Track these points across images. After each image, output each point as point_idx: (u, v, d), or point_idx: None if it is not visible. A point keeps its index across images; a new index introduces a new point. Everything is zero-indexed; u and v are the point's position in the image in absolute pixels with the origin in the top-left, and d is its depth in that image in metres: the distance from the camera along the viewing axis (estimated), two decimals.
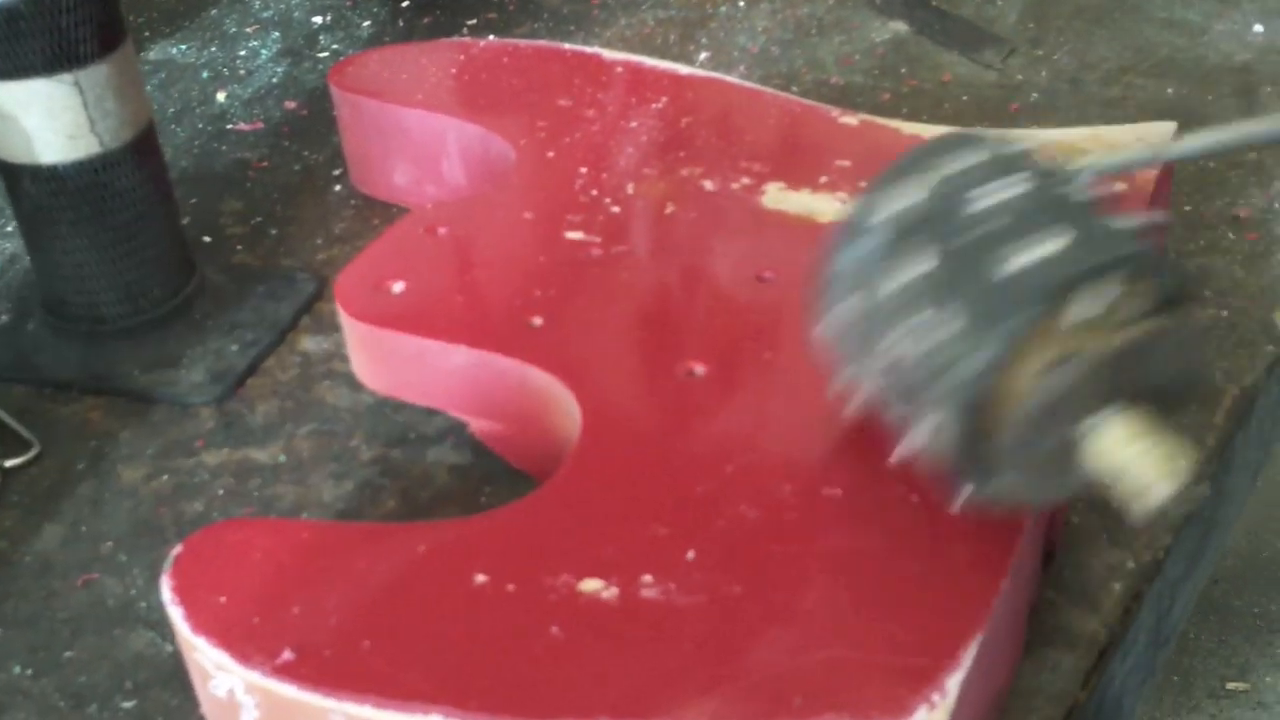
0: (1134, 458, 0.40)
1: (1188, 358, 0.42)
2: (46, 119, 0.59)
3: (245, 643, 0.43)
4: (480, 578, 0.44)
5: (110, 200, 0.61)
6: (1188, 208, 0.69)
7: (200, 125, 0.82)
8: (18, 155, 0.60)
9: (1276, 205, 0.69)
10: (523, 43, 0.76)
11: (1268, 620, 1.53)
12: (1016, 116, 0.77)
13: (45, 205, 0.61)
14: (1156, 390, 0.42)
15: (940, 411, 0.41)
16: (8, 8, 0.56)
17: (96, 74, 0.59)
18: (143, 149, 0.62)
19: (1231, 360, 0.60)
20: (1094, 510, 0.52)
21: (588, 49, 0.75)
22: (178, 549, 0.46)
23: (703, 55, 0.86)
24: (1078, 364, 0.40)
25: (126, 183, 0.61)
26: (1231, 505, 0.60)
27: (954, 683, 0.40)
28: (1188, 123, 0.65)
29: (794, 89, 0.80)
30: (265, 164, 0.79)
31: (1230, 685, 1.46)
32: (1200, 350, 0.45)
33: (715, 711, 0.40)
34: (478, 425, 0.57)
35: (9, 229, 0.75)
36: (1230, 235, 0.67)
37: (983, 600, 0.42)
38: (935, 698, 0.39)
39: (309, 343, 0.65)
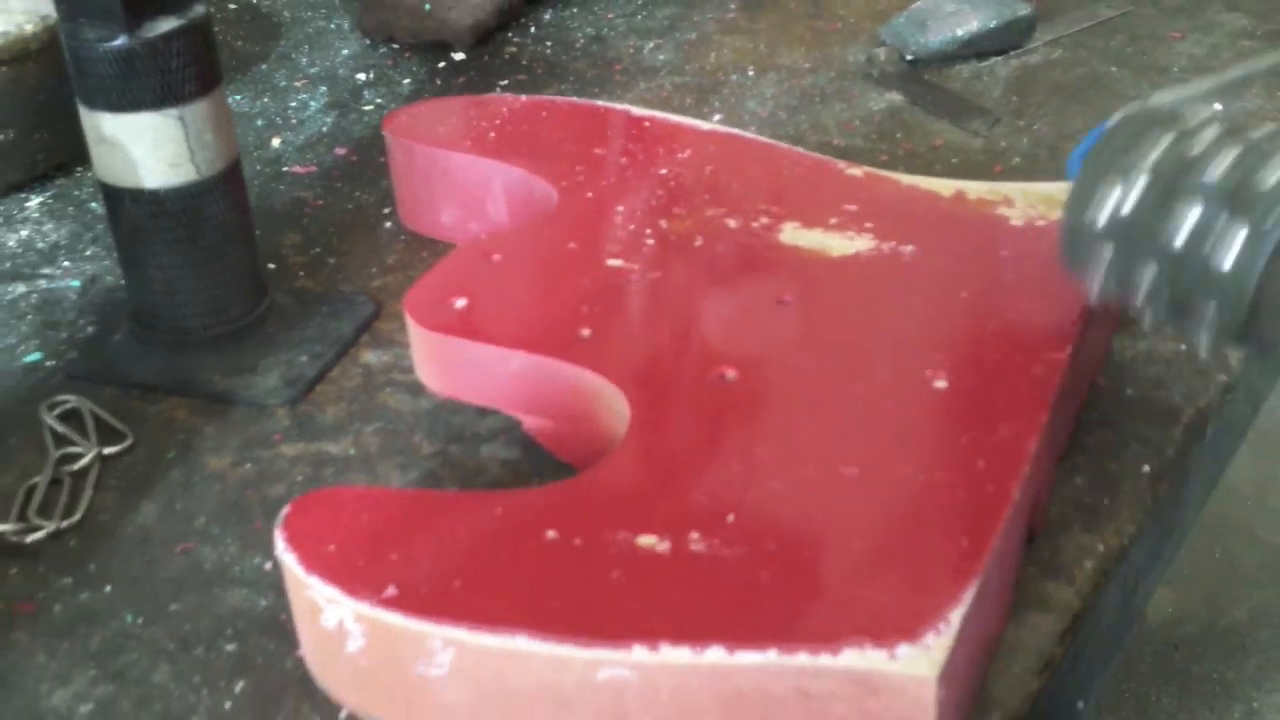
0: None
1: None
2: (152, 149, 0.67)
3: (353, 580, 0.50)
4: (551, 534, 0.52)
5: (202, 224, 0.69)
6: None
7: (259, 167, 0.90)
8: (123, 180, 0.68)
9: None
10: (559, 99, 0.85)
11: (1225, 685, 1.61)
12: (1000, 177, 0.86)
13: (144, 226, 0.68)
14: None
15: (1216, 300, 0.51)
16: (126, 49, 0.64)
17: (197, 110, 0.67)
18: (231, 179, 0.70)
19: (1189, 385, 0.68)
20: (1068, 503, 0.60)
21: (618, 105, 0.83)
22: (286, 508, 0.54)
23: (716, 117, 0.94)
24: None
25: (216, 208, 0.69)
26: (1188, 512, 0.68)
27: (956, 616, 0.47)
28: None
29: (801, 149, 0.89)
30: (320, 203, 0.87)
31: None
32: None
33: (753, 634, 0.47)
34: (530, 423, 0.65)
35: (88, 253, 0.83)
36: None
37: (979, 551, 0.50)
38: (941, 626, 0.47)
39: (370, 356, 0.73)
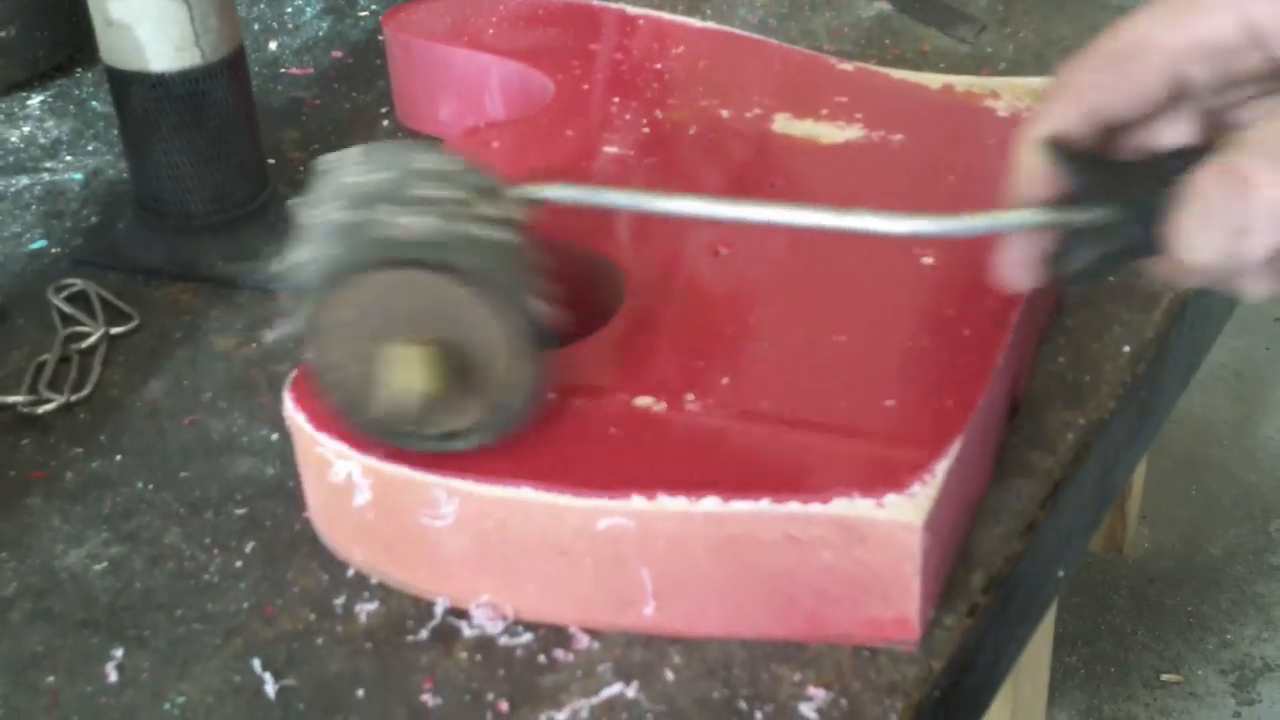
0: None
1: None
2: (157, 31, 0.68)
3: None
4: (550, 395, 0.53)
5: (207, 109, 0.70)
6: None
7: (256, 69, 0.92)
8: (129, 63, 0.69)
9: None
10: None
11: (1200, 618, 1.64)
12: None
13: (150, 110, 0.70)
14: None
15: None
16: None
17: None
18: (235, 65, 0.71)
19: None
20: (1051, 379, 0.62)
21: (612, 4, 0.85)
22: (294, 371, 0.55)
23: (708, 25, 0.95)
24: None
25: (221, 94, 0.70)
26: (1165, 395, 0.70)
27: (941, 469, 0.49)
28: None
29: None
30: (318, 103, 0.88)
31: (1164, 677, 1.57)
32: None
33: (746, 485, 0.49)
34: None
35: (89, 149, 0.84)
36: None
37: (964, 411, 0.52)
38: (926, 478, 0.49)
39: None
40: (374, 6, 1.00)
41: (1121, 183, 0.47)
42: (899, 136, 0.70)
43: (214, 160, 0.71)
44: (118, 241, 0.74)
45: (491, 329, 0.50)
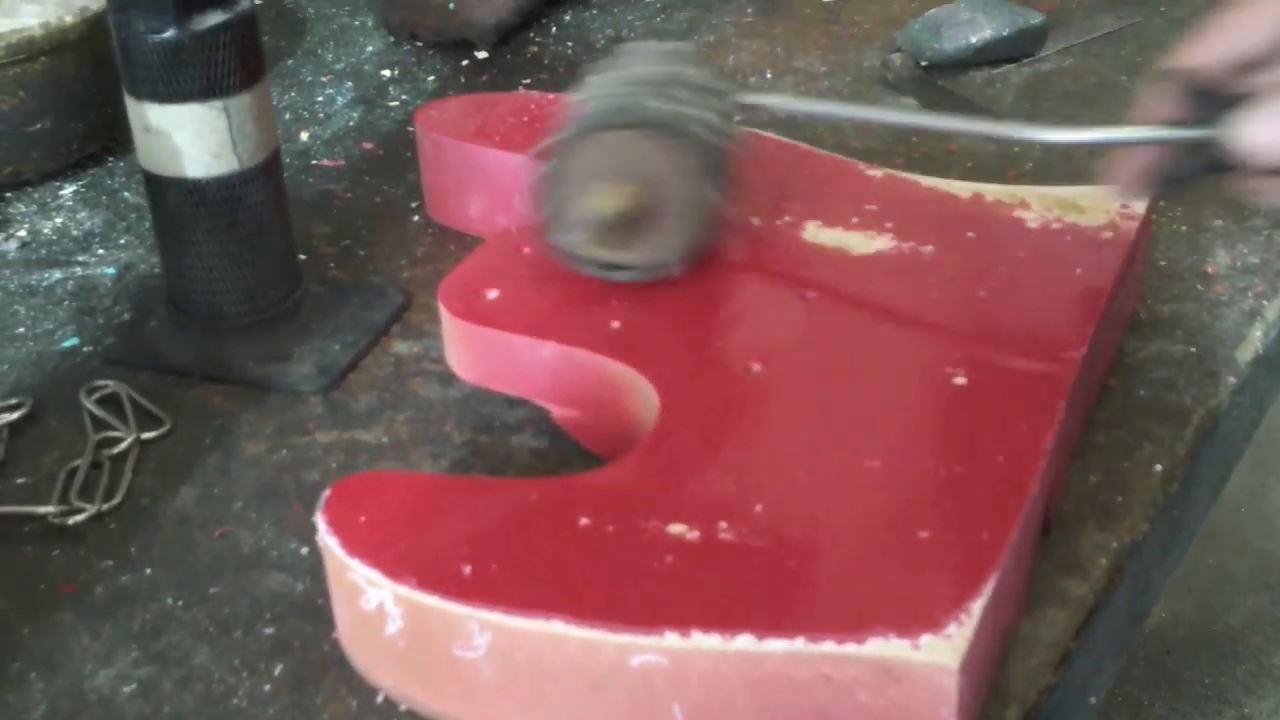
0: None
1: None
2: (196, 139, 0.68)
3: (394, 563, 0.52)
4: (584, 520, 0.53)
5: (242, 213, 0.71)
6: (1163, 263, 0.79)
7: (287, 160, 0.92)
8: (167, 169, 0.69)
9: (1239, 264, 0.79)
10: None
11: (1217, 689, 1.63)
12: (1014, 182, 0.88)
13: (185, 214, 0.70)
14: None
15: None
16: (174, 41, 0.66)
17: (241, 102, 0.69)
18: (271, 170, 0.71)
19: (1200, 387, 0.70)
20: (1083, 500, 0.62)
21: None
22: (327, 492, 0.55)
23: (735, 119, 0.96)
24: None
25: (256, 198, 0.71)
26: (1195, 511, 0.70)
27: (977, 608, 0.49)
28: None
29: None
30: (349, 195, 0.89)
31: None
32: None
33: (781, 622, 0.49)
34: (559, 412, 0.66)
35: (122, 242, 0.84)
36: (1199, 287, 0.77)
37: (998, 544, 0.52)
38: (962, 617, 0.49)
39: (401, 346, 0.74)
40: (404, 96, 1.00)
41: (1227, 107, 0.56)
42: (929, 248, 0.70)
43: (247, 263, 0.72)
44: (149, 341, 0.74)
45: (675, 191, 0.66)
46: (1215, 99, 0.57)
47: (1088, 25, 1.08)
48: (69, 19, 0.84)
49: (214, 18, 0.67)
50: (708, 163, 0.67)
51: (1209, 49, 0.57)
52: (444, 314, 0.68)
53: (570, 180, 0.67)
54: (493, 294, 0.68)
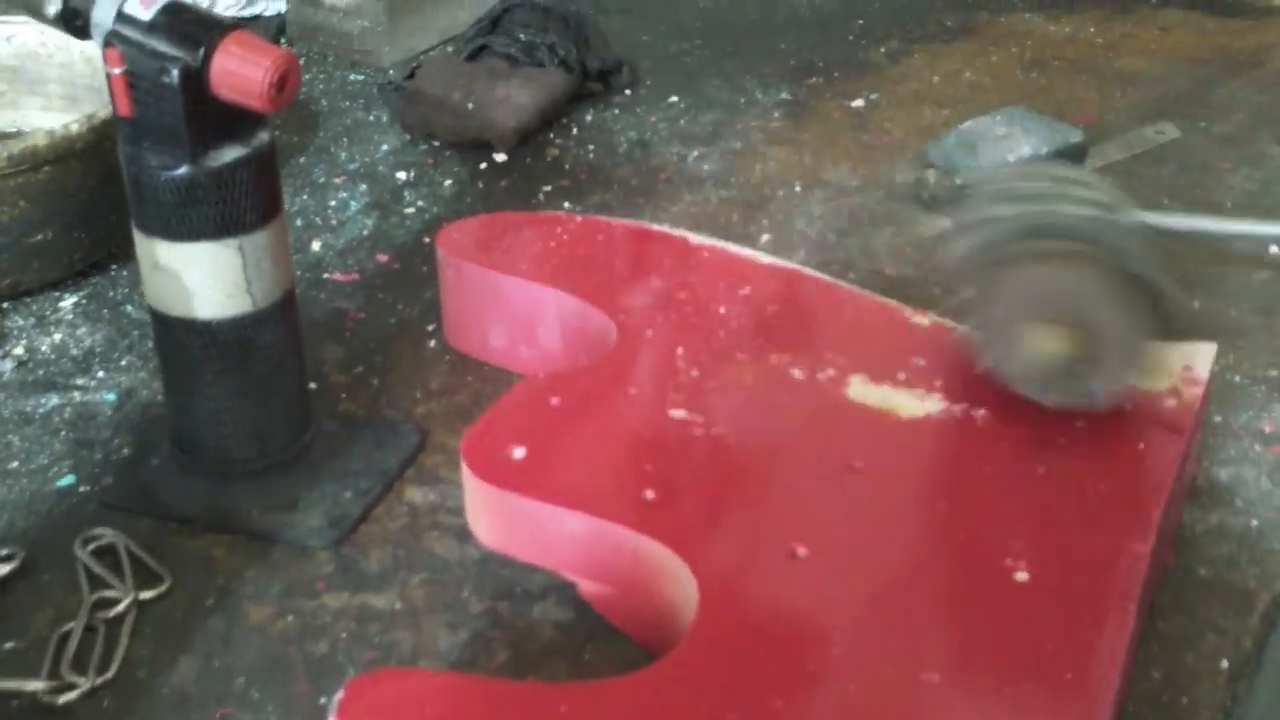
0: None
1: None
2: (208, 278, 0.64)
3: None
4: None
5: (254, 354, 0.67)
6: (1218, 419, 0.75)
7: (300, 272, 0.88)
8: (175, 309, 0.65)
9: None
10: (615, 221, 0.83)
11: None
12: None
13: (194, 356, 0.66)
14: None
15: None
16: (189, 178, 0.62)
17: (257, 240, 0.65)
18: (286, 308, 0.67)
19: (1263, 567, 0.66)
20: (1146, 701, 0.58)
21: (675, 231, 0.81)
22: (340, 694, 0.51)
23: (765, 236, 0.92)
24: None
25: (269, 338, 0.67)
26: (1260, 698, 0.66)
27: None
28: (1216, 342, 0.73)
29: (851, 275, 0.87)
30: (362, 315, 0.85)
31: None
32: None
33: None
34: (586, 587, 0.62)
35: (123, 363, 0.80)
36: (1257, 448, 0.73)
37: None
38: None
39: (415, 494, 0.70)
40: (420, 202, 0.97)
41: None
42: (982, 412, 0.66)
43: (257, 405, 0.68)
44: (150, 484, 0.70)
45: (1117, 316, 0.65)
46: None
47: (1126, 140, 1.05)
48: (75, 127, 0.80)
49: (231, 153, 0.63)
50: (1141, 291, 0.65)
51: None
52: (466, 473, 0.63)
53: (1001, 311, 0.66)
54: (519, 452, 0.64)
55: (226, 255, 0.64)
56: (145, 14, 0.61)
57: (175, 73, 0.60)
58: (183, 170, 0.62)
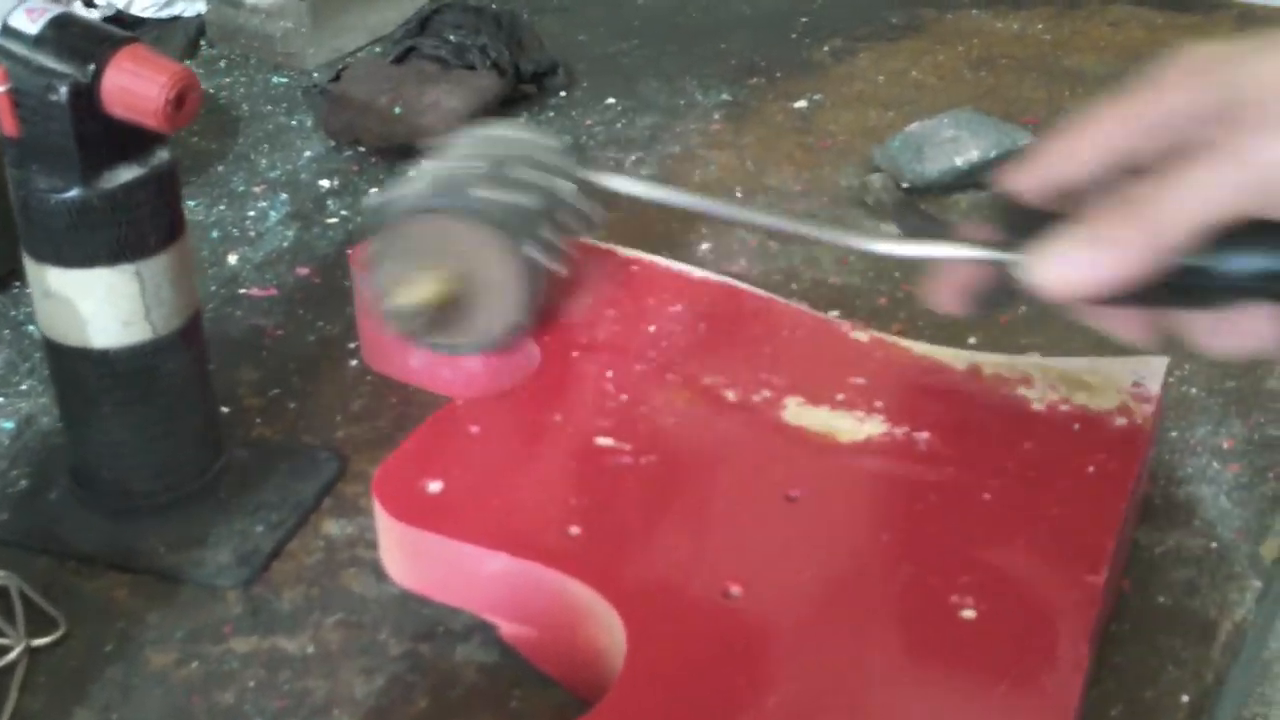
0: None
1: None
2: (104, 306, 0.60)
3: None
4: None
5: (155, 384, 0.63)
6: (1173, 434, 0.72)
7: (214, 288, 0.84)
8: (69, 338, 0.61)
9: (1256, 437, 0.72)
10: None
11: None
12: (1008, 328, 0.81)
13: (90, 386, 0.62)
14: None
15: None
16: (81, 201, 0.58)
17: (157, 264, 0.61)
18: (190, 335, 0.63)
19: (1223, 593, 0.63)
20: None
21: (603, 244, 0.78)
22: None
23: (704, 246, 0.89)
24: None
25: (172, 366, 0.63)
26: None
27: None
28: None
29: (794, 286, 0.84)
30: (280, 332, 0.81)
31: None
32: None
33: None
34: (509, 629, 0.59)
35: (23, 387, 0.76)
36: (1215, 465, 0.71)
37: None
38: None
39: (332, 526, 0.66)
40: (344, 212, 0.93)
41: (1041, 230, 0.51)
42: (924, 435, 0.63)
43: (160, 438, 0.64)
44: (48, 519, 0.66)
45: (494, 266, 0.67)
46: (1028, 224, 0.52)
47: None
48: None
49: (127, 173, 0.59)
50: (527, 227, 0.67)
51: (1030, 173, 0.52)
52: (378, 510, 0.60)
53: (388, 268, 0.68)
54: (435, 486, 0.60)
55: (123, 281, 0.60)
56: (32, 27, 0.57)
57: (64, 90, 0.56)
58: (74, 193, 0.58)
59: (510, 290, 0.67)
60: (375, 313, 0.69)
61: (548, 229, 0.68)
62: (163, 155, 0.61)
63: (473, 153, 0.70)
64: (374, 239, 0.68)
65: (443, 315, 0.67)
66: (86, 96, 0.57)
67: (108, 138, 0.59)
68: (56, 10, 0.59)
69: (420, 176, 0.69)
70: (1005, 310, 0.59)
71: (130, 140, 0.59)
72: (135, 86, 0.57)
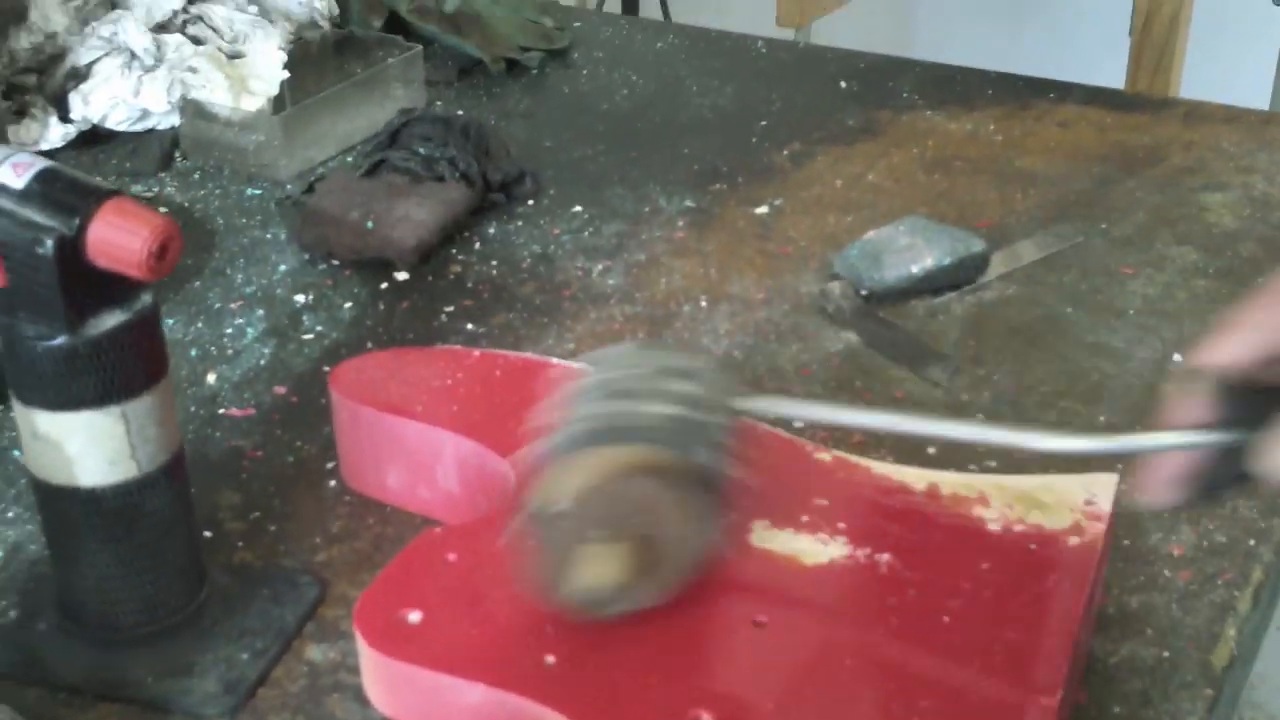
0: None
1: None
2: (90, 446, 0.62)
3: None
4: None
5: (141, 519, 0.65)
6: (1126, 541, 0.75)
7: (193, 408, 0.86)
8: (57, 478, 0.63)
9: (1205, 544, 0.75)
10: (513, 355, 0.82)
11: None
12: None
13: (78, 524, 0.64)
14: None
15: None
16: (67, 348, 0.60)
17: (141, 405, 0.63)
18: (173, 471, 0.66)
19: (1175, 703, 0.66)
20: None
21: (575, 364, 0.80)
22: None
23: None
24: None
25: (158, 503, 0.65)
26: None
27: None
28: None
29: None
30: (259, 454, 0.83)
31: None
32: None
33: None
34: None
35: (10, 514, 0.78)
36: (1166, 573, 0.73)
37: None
38: None
39: (315, 651, 0.68)
40: (319, 327, 0.95)
41: (1266, 409, 0.51)
42: (886, 557, 0.66)
43: (146, 571, 0.66)
44: (36, 650, 0.68)
45: (676, 539, 0.61)
46: (1249, 399, 0.52)
47: (1030, 244, 1.05)
48: None
49: (111, 319, 0.62)
50: (707, 494, 0.62)
51: (1238, 345, 0.52)
52: (360, 642, 0.62)
53: (561, 541, 0.61)
54: (414, 617, 0.62)
55: (109, 423, 0.62)
56: (18, 182, 0.60)
57: (50, 243, 0.59)
58: (60, 340, 0.60)
59: (695, 523, 0.62)
60: (546, 597, 0.62)
61: (714, 433, 0.62)
62: (145, 299, 0.63)
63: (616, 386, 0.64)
64: (536, 512, 0.61)
65: (633, 582, 0.61)
66: (71, 249, 0.60)
67: (92, 286, 0.61)
68: (42, 165, 0.61)
69: (579, 417, 0.63)
70: (1233, 497, 0.56)
71: (114, 286, 0.62)
72: (118, 239, 0.60)
